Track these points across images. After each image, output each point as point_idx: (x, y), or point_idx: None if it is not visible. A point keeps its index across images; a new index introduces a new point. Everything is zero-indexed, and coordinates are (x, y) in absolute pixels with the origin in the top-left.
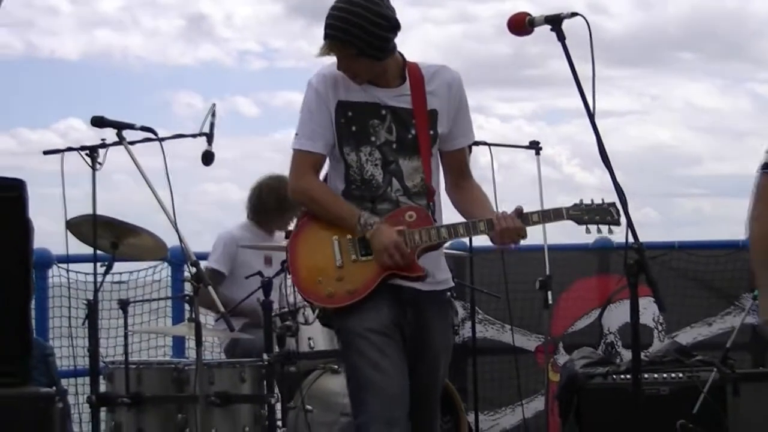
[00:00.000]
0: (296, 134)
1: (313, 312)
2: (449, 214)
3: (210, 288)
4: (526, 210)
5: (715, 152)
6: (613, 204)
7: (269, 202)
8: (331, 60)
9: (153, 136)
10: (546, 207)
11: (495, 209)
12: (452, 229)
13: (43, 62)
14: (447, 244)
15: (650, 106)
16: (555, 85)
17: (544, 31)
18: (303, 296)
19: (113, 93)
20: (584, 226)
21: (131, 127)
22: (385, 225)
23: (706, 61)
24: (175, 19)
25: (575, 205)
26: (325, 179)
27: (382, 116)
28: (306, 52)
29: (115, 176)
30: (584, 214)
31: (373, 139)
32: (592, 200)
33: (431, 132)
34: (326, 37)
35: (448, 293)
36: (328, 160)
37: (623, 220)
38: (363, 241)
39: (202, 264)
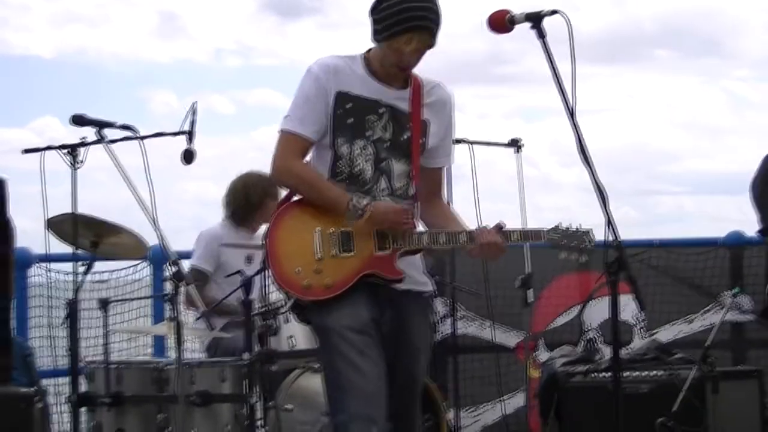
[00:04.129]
0: (287, 116)
1: (286, 302)
2: None
3: (191, 287)
4: (507, 227)
5: (694, 149)
6: (588, 231)
7: (252, 199)
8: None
9: (133, 135)
10: (526, 207)
11: (476, 217)
12: (434, 236)
13: (17, 60)
14: None
15: (627, 103)
16: (531, 83)
17: (520, 27)
18: (279, 284)
19: (89, 91)
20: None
21: (111, 125)
22: (377, 201)
23: (682, 58)
24: (148, 15)
25: (554, 228)
26: None
27: (380, 113)
28: (280, 49)
29: (95, 175)
30: (562, 238)
31: (368, 133)
32: (569, 225)
33: (422, 140)
34: (418, 27)
35: (427, 293)
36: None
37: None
38: (345, 236)
39: (186, 263)
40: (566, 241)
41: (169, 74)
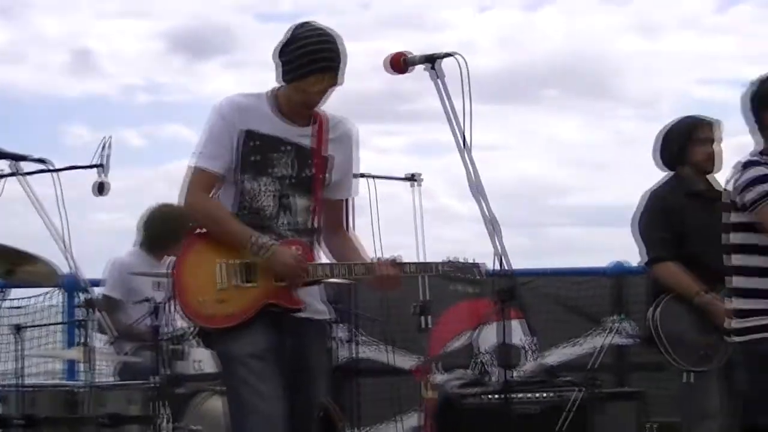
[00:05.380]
0: (196, 152)
1: (193, 330)
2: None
3: (102, 313)
4: (404, 260)
5: (581, 184)
6: (478, 265)
7: (168, 230)
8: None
9: (47, 167)
10: (424, 238)
11: (376, 248)
12: (333, 268)
13: None
14: None
15: (519, 140)
16: (430, 120)
17: (419, 69)
18: (184, 313)
19: (3, 125)
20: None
21: (26, 158)
22: (280, 245)
23: (570, 98)
24: (61, 53)
25: (447, 261)
26: None
27: (285, 151)
28: (189, 86)
29: (9, 205)
30: (454, 271)
31: (272, 170)
32: (461, 258)
33: (325, 176)
34: (324, 70)
35: (326, 320)
36: None
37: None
38: (247, 267)
39: (98, 291)
40: (458, 274)
41: (82, 109)
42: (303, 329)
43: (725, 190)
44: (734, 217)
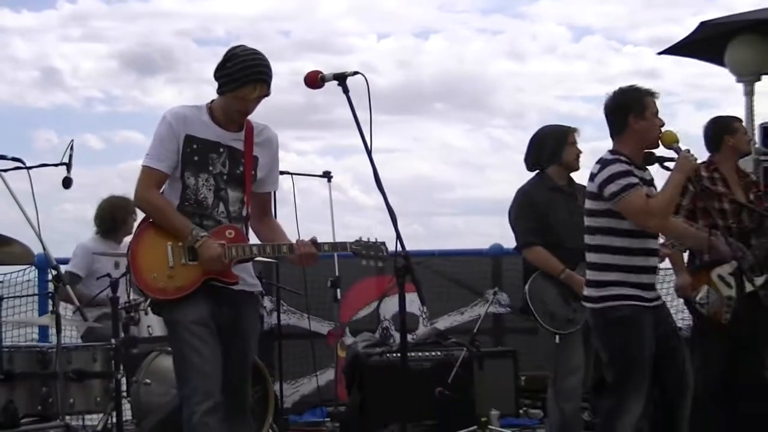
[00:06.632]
0: (147, 154)
1: (146, 301)
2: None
3: (68, 287)
4: (319, 240)
5: (464, 181)
6: (384, 243)
7: (114, 217)
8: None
9: (22, 165)
10: (336, 225)
11: (296, 233)
12: (261, 248)
13: None
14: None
15: (413, 145)
16: (340, 128)
17: (331, 85)
18: (139, 287)
19: None
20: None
21: (3, 157)
22: (211, 239)
23: (454, 110)
24: (32, 71)
25: (357, 241)
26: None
27: (220, 152)
28: (139, 99)
29: None
30: (363, 249)
31: (210, 168)
32: (368, 238)
33: (253, 173)
34: (258, 81)
35: (257, 292)
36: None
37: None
38: (191, 249)
39: (65, 268)
40: (366, 251)
41: (50, 117)
42: (238, 299)
43: (589, 182)
44: (594, 205)
